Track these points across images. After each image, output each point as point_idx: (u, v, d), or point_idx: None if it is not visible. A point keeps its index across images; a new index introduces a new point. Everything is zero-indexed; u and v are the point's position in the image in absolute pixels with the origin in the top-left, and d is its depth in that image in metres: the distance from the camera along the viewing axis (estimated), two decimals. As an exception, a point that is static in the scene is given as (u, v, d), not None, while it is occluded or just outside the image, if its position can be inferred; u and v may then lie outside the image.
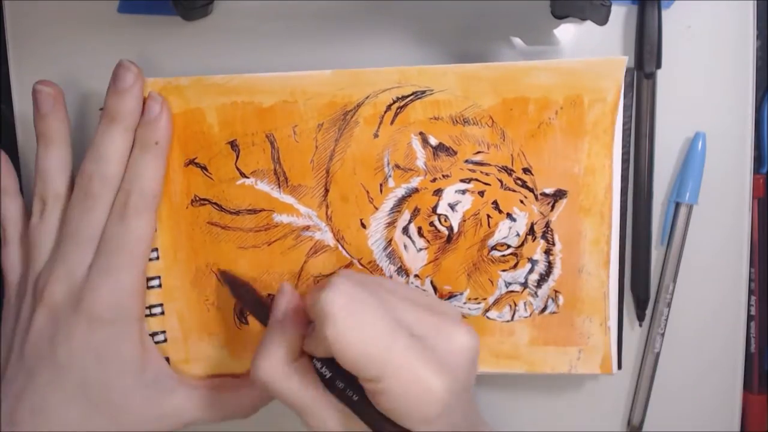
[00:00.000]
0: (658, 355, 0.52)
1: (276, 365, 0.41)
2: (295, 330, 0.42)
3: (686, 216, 0.51)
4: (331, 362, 0.40)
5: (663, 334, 0.52)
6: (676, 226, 0.51)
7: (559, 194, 0.48)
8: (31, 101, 0.46)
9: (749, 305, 0.53)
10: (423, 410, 0.38)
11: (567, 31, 0.51)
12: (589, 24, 0.48)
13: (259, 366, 0.41)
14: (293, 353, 0.42)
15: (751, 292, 0.53)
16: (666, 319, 0.52)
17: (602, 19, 0.45)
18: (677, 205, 0.51)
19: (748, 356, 0.54)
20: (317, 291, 0.39)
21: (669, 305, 0.52)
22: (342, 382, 0.41)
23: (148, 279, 0.49)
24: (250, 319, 0.50)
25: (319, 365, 0.41)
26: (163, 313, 0.49)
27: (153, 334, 0.49)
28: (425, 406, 0.38)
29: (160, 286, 0.49)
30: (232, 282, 0.48)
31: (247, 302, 0.48)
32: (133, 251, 0.45)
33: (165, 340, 0.50)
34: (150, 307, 0.49)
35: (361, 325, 0.38)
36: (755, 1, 0.50)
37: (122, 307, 0.45)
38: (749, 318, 0.53)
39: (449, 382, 0.38)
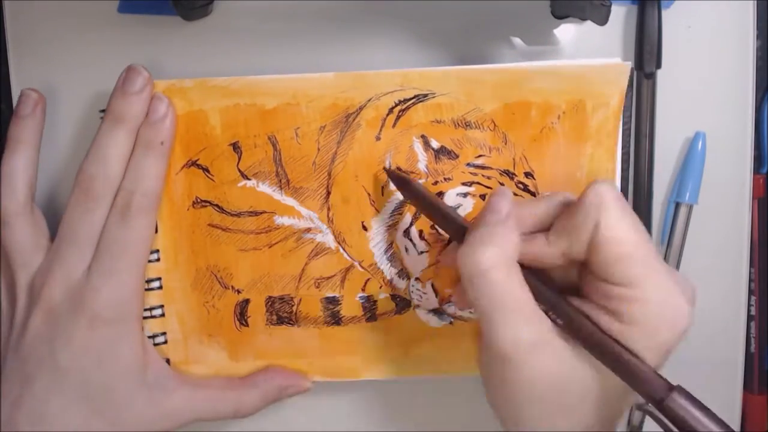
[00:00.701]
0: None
1: (502, 259, 0.37)
2: (516, 232, 0.39)
3: (686, 216, 0.51)
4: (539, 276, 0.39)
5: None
6: (676, 226, 0.51)
7: None
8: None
9: (749, 305, 0.53)
10: (668, 334, 0.36)
11: (567, 31, 0.51)
12: (589, 24, 0.48)
13: (485, 255, 0.37)
14: (518, 252, 0.38)
15: (751, 292, 0.53)
16: None
17: (602, 19, 0.45)
18: (677, 205, 0.51)
19: (748, 356, 0.54)
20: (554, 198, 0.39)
21: None
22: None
23: (149, 280, 0.49)
24: (251, 320, 0.50)
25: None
26: (163, 314, 0.49)
27: (153, 336, 0.49)
28: (672, 330, 0.36)
29: (160, 287, 0.49)
30: (399, 181, 0.46)
31: (424, 205, 0.44)
32: (136, 252, 0.45)
33: (165, 342, 0.50)
34: (150, 308, 0.49)
35: (636, 224, 0.37)
36: (755, 1, 0.50)
37: (124, 308, 0.45)
38: (749, 318, 0.54)
39: (692, 317, 0.37)
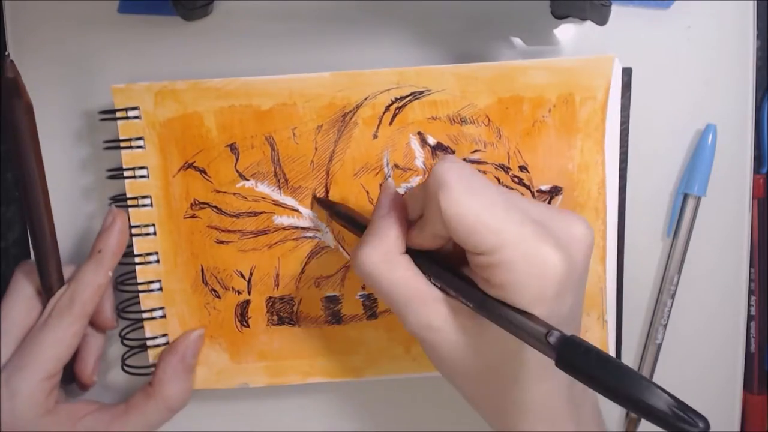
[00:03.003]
0: (659, 347, 0.52)
1: (381, 255, 0.40)
2: (399, 224, 0.41)
3: (694, 208, 0.51)
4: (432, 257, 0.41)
5: (666, 326, 0.52)
6: (684, 217, 0.51)
7: (554, 191, 0.48)
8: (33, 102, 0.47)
9: (749, 305, 0.53)
10: (539, 285, 0.36)
11: (567, 31, 0.51)
12: (589, 24, 0.48)
13: (364, 255, 0.40)
14: (398, 247, 0.41)
15: (751, 292, 0.53)
16: (669, 311, 0.52)
17: (602, 19, 0.46)
18: (685, 197, 0.51)
19: (748, 356, 0.54)
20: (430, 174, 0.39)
21: (673, 297, 0.52)
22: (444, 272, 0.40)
23: (149, 282, 0.49)
24: (252, 321, 0.50)
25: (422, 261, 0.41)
26: (164, 316, 0.49)
27: (154, 337, 0.49)
28: (542, 280, 0.36)
29: (160, 289, 0.49)
30: (325, 205, 0.48)
31: (344, 219, 0.47)
32: (49, 351, 0.46)
33: (167, 343, 0.50)
34: (151, 310, 0.49)
35: (477, 194, 0.37)
36: (755, 1, 0.50)
37: (16, 415, 0.45)
38: (749, 318, 0.54)
39: (567, 263, 0.37)
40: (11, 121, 0.44)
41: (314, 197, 0.49)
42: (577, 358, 0.33)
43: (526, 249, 0.36)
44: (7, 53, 0.44)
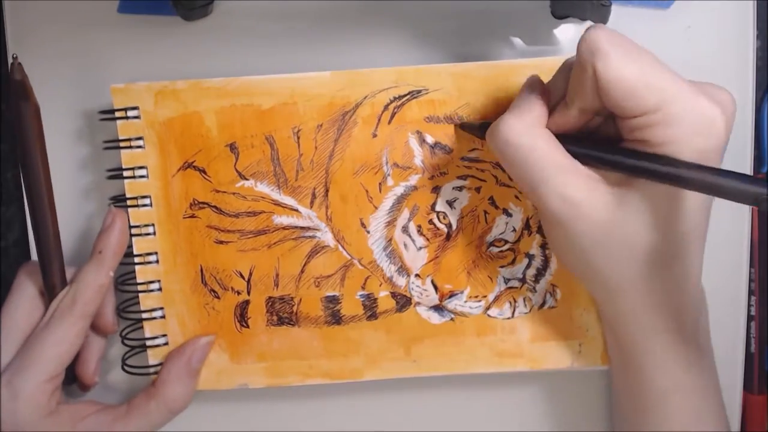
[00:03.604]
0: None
1: (525, 125, 0.40)
2: (543, 100, 0.41)
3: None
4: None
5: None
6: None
7: None
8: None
9: (749, 305, 0.53)
10: (705, 138, 0.36)
11: (567, 31, 0.51)
12: (589, 24, 0.48)
13: (506, 125, 0.40)
14: (541, 120, 0.41)
15: (751, 292, 0.53)
16: None
17: (602, 19, 0.46)
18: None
19: (748, 356, 0.54)
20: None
21: None
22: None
23: (149, 282, 0.49)
24: (251, 321, 0.50)
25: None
26: (163, 317, 0.49)
27: (154, 338, 0.49)
28: (707, 134, 0.36)
29: (160, 290, 0.49)
30: (469, 128, 0.47)
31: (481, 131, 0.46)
32: (44, 356, 0.45)
33: (167, 344, 0.50)
34: (151, 310, 0.49)
35: (635, 57, 0.37)
36: (755, 1, 0.50)
37: (18, 416, 0.45)
38: (749, 318, 0.53)
39: (726, 120, 0.37)
40: (19, 122, 0.45)
41: (457, 125, 0.48)
42: None
43: (690, 103, 0.36)
44: (15, 55, 0.44)
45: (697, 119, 0.36)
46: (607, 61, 0.36)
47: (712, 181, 0.34)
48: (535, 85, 0.42)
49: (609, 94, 0.37)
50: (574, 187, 0.39)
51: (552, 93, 0.42)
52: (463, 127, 0.48)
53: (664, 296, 0.41)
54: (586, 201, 0.39)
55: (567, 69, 0.41)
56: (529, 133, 0.40)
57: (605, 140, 0.41)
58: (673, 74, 0.37)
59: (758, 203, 0.33)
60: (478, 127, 0.46)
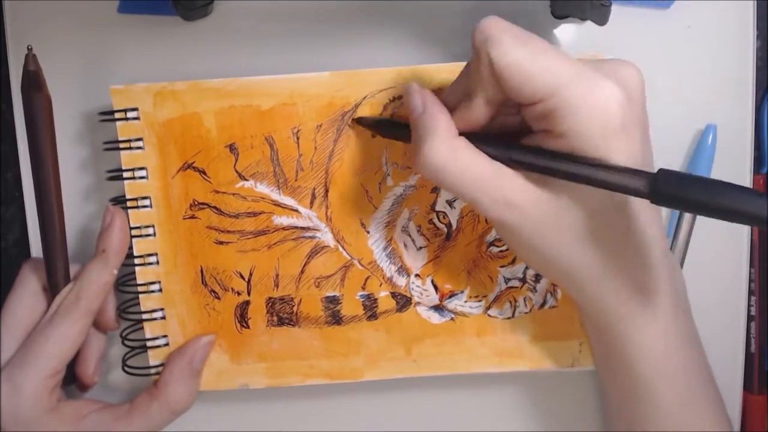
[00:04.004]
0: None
1: (443, 144, 0.39)
2: (442, 111, 0.41)
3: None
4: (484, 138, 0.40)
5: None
6: (683, 217, 0.51)
7: None
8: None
9: (749, 305, 0.53)
10: (604, 118, 0.36)
11: (567, 31, 0.51)
12: (589, 24, 0.48)
13: (428, 150, 0.39)
14: (452, 131, 0.40)
15: (751, 292, 0.53)
16: None
17: (602, 19, 0.46)
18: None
19: (748, 356, 0.54)
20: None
21: None
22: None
23: (149, 283, 0.49)
24: (251, 322, 0.50)
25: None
26: (164, 317, 0.49)
27: (154, 338, 0.49)
28: (605, 112, 0.36)
29: (160, 290, 0.49)
30: (365, 123, 0.47)
31: (388, 131, 0.47)
32: (46, 351, 0.45)
33: (167, 344, 0.50)
34: (151, 311, 0.49)
35: (527, 42, 0.37)
36: (755, 1, 0.50)
37: (20, 412, 0.45)
38: (749, 318, 0.53)
39: (625, 93, 0.36)
40: (30, 114, 0.45)
41: (353, 120, 0.48)
42: (674, 189, 0.33)
43: (583, 85, 0.36)
44: (30, 46, 0.44)
45: (593, 100, 0.36)
46: (499, 47, 0.37)
47: (603, 177, 0.35)
48: (422, 99, 0.42)
49: (504, 79, 0.37)
50: (510, 191, 0.39)
51: (450, 93, 0.42)
52: (359, 122, 0.47)
53: (626, 276, 0.41)
54: (525, 201, 0.39)
55: (466, 71, 0.41)
56: (449, 151, 0.39)
57: (511, 135, 0.41)
58: (568, 58, 0.37)
59: (646, 196, 0.34)
60: (374, 123, 0.47)
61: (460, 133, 0.40)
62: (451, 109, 0.41)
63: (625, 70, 0.39)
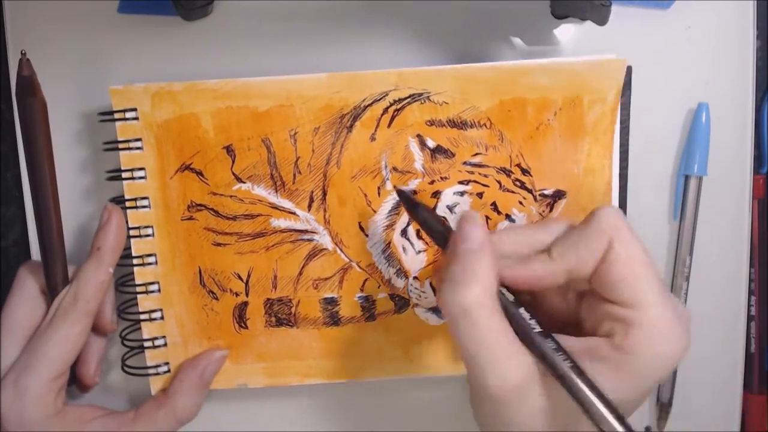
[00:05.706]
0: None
1: (485, 293, 0.36)
2: (494, 257, 0.38)
3: (696, 188, 0.51)
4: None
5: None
6: (688, 199, 0.51)
7: (557, 195, 0.48)
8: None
9: (749, 305, 0.53)
10: (666, 360, 0.36)
11: (567, 31, 0.51)
12: (589, 24, 0.48)
13: (466, 291, 0.36)
14: (494, 287, 0.37)
15: (751, 292, 0.53)
16: (686, 293, 0.52)
17: (602, 19, 0.45)
18: (686, 178, 0.51)
19: (748, 356, 0.54)
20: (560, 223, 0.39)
21: (687, 279, 0.52)
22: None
23: (148, 283, 0.49)
24: (250, 323, 0.50)
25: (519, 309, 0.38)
26: (162, 318, 0.49)
27: (153, 339, 0.49)
28: (671, 356, 0.36)
29: (159, 291, 0.49)
30: (408, 200, 0.44)
31: (423, 221, 0.43)
32: (49, 354, 0.45)
33: (165, 345, 0.50)
34: (150, 311, 0.49)
35: (643, 248, 0.37)
36: (755, 1, 0.50)
37: (24, 416, 0.45)
38: (749, 318, 0.53)
39: (687, 346, 0.37)
40: (25, 119, 0.45)
41: (396, 188, 0.47)
42: None
43: (668, 323, 0.36)
44: (23, 51, 0.44)
45: (668, 334, 0.36)
46: (628, 240, 0.37)
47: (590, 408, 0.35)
48: (482, 237, 0.38)
49: (613, 270, 0.37)
50: (516, 370, 0.37)
51: (517, 244, 0.40)
52: (399, 194, 0.44)
53: None
54: (523, 384, 0.37)
55: (558, 227, 0.40)
56: (489, 308, 0.37)
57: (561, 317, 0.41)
58: (660, 281, 0.37)
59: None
60: (412, 207, 0.43)
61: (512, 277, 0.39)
62: (505, 253, 0.40)
63: (688, 320, 0.38)
